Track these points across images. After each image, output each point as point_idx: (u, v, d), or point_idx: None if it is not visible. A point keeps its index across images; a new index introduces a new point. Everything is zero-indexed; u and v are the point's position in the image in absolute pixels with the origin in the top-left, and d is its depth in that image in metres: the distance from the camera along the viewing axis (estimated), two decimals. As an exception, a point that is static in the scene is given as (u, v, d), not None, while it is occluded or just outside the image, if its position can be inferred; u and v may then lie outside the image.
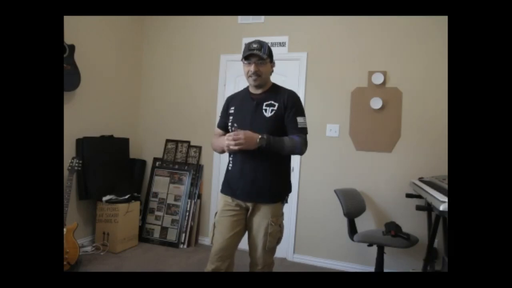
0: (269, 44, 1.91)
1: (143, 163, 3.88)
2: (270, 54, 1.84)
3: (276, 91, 1.88)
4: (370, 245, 2.62)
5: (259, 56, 1.78)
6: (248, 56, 1.80)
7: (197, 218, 3.64)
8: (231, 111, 1.93)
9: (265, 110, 1.82)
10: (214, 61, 3.67)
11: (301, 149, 1.80)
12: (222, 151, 1.91)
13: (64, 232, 2.68)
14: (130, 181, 3.66)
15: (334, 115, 3.26)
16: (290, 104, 1.82)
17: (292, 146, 1.77)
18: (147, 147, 3.94)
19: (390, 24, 3.10)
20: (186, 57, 3.81)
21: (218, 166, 3.63)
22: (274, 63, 1.91)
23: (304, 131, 1.82)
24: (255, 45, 1.79)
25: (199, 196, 3.68)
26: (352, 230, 2.72)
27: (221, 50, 3.65)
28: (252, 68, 1.79)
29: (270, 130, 1.77)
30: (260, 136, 1.70)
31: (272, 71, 1.91)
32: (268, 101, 1.84)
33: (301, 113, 1.85)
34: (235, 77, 3.54)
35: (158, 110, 3.92)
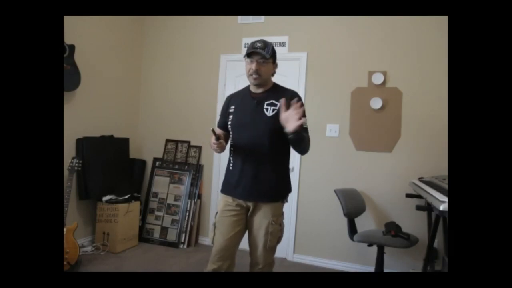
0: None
1: (143, 163, 3.88)
2: (273, 55, 1.84)
3: (277, 91, 1.87)
4: (370, 245, 2.63)
5: (262, 54, 1.77)
6: (251, 54, 1.79)
7: (197, 218, 3.64)
8: (231, 110, 1.93)
9: (266, 109, 1.82)
10: (214, 61, 3.67)
11: (308, 148, 1.82)
12: (221, 150, 1.90)
13: (64, 232, 2.68)
14: (130, 181, 3.66)
15: (334, 115, 3.26)
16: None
17: (307, 143, 1.78)
18: (147, 147, 3.94)
19: (390, 24, 3.10)
20: (186, 57, 3.81)
21: (218, 166, 3.63)
22: (276, 64, 1.90)
23: (307, 131, 1.82)
24: (259, 44, 1.79)
25: (199, 196, 3.68)
26: (352, 230, 2.72)
27: (221, 50, 3.65)
28: (253, 66, 1.79)
29: (271, 129, 1.77)
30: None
31: (275, 72, 1.91)
32: (269, 100, 1.83)
33: (303, 113, 1.84)
34: (235, 77, 3.54)
35: (158, 110, 3.92)
